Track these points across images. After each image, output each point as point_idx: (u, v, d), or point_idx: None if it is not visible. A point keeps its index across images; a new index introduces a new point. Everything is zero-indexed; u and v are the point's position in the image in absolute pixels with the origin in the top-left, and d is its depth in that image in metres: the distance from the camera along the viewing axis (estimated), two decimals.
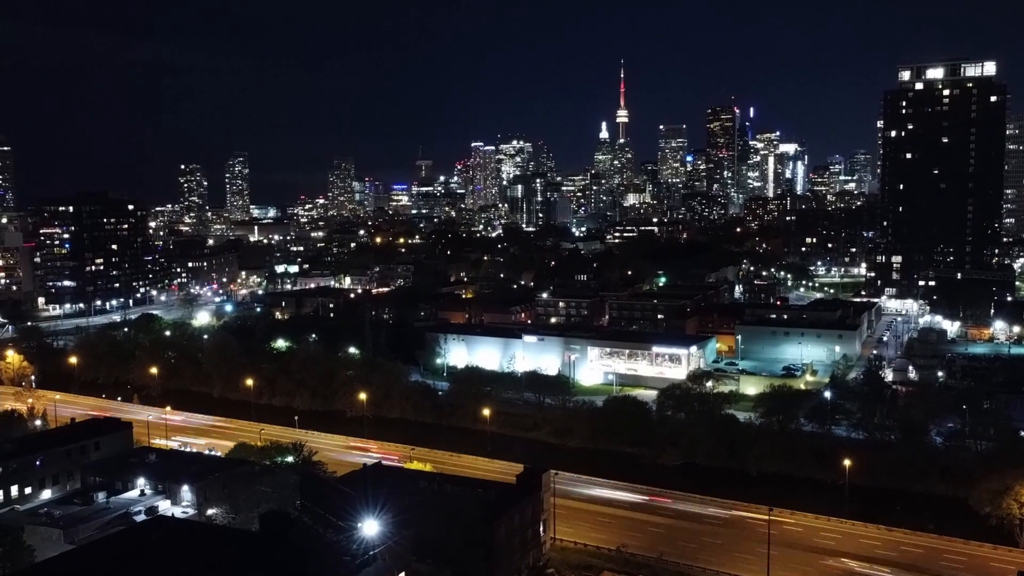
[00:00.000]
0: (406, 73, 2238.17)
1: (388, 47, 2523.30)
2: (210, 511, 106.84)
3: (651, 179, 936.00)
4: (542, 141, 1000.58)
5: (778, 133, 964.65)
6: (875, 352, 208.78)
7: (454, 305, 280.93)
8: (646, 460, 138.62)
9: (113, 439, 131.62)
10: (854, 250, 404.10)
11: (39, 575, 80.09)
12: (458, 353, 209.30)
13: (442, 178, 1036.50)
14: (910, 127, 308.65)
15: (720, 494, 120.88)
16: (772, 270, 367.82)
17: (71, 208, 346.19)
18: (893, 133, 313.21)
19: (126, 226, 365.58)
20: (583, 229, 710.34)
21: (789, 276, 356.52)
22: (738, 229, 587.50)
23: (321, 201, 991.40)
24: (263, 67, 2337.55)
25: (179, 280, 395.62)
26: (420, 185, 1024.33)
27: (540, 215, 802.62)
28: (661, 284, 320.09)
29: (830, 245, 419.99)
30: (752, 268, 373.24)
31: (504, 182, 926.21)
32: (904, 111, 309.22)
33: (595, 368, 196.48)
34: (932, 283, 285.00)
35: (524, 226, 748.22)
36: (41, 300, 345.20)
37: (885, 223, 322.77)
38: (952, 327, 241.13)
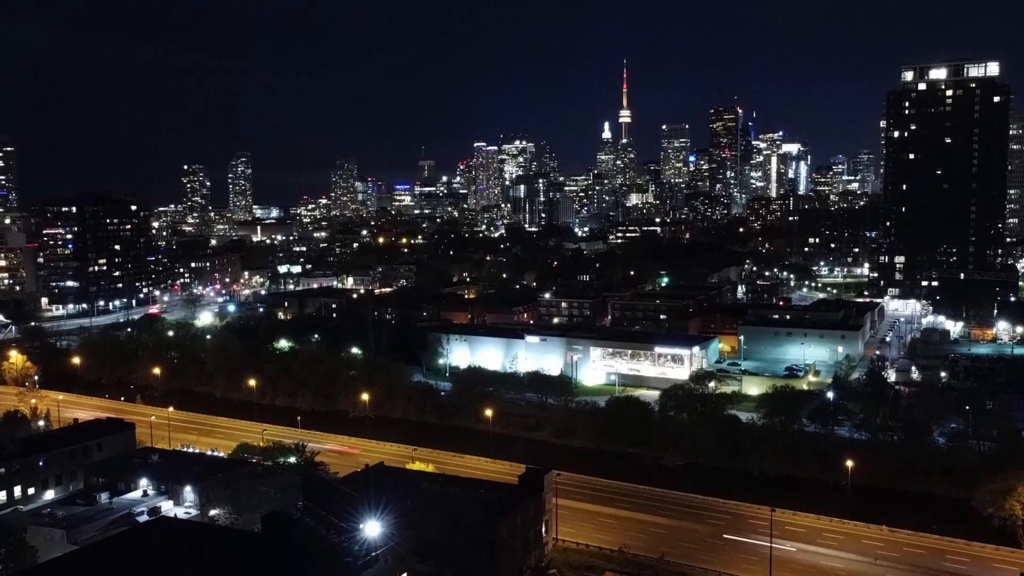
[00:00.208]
0: (409, 73, 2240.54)
1: (390, 47, 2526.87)
2: (212, 512, 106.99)
3: (654, 179, 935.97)
4: (545, 141, 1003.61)
5: (781, 133, 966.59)
6: (878, 352, 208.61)
7: (456, 305, 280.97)
8: (648, 461, 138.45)
9: (116, 440, 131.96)
10: (857, 250, 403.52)
11: (42, 575, 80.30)
12: (460, 353, 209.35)
13: (445, 178, 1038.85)
14: (913, 127, 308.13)
15: (722, 495, 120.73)
16: (775, 270, 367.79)
17: (74, 208, 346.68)
18: (896, 133, 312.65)
19: (129, 226, 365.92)
20: (586, 229, 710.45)
21: (792, 276, 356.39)
22: (741, 229, 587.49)
23: (324, 201, 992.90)
24: (265, 67, 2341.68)
25: (182, 280, 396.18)
26: (423, 185, 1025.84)
27: (543, 215, 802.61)
28: (664, 284, 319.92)
29: (833, 245, 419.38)
30: (755, 268, 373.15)
31: (507, 182, 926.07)
32: (907, 111, 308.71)
33: (597, 368, 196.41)
34: (935, 283, 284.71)
35: (527, 226, 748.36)
36: (44, 300, 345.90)
37: (888, 223, 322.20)
38: (955, 327, 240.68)
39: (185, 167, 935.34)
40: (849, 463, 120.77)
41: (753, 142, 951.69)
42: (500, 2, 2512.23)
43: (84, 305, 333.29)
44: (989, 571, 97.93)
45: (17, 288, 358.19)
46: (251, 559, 74.37)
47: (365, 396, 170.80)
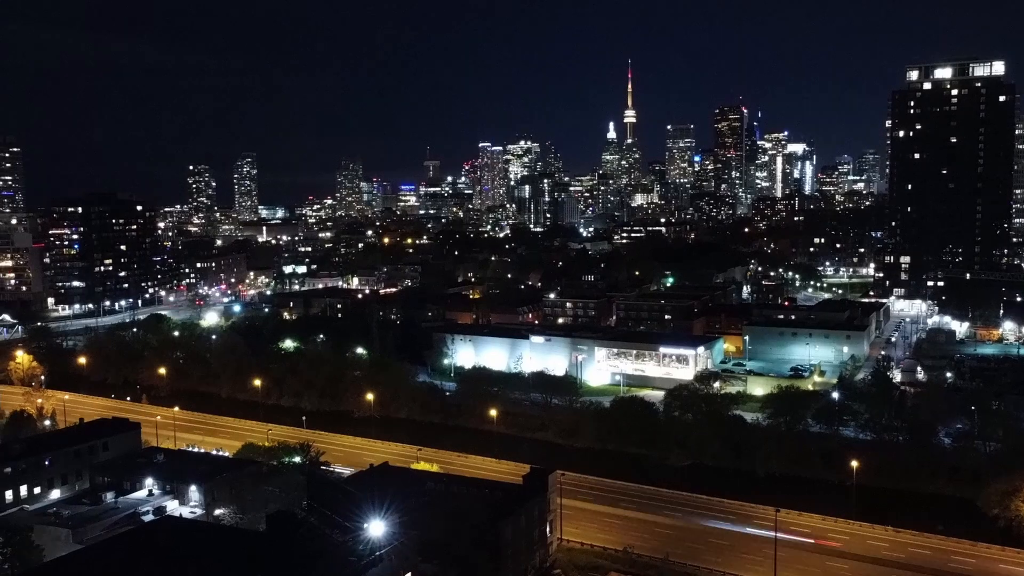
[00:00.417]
0: (414, 73, 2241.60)
1: (395, 47, 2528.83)
2: (218, 511, 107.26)
3: (659, 179, 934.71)
4: (550, 141, 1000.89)
5: (786, 133, 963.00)
6: (883, 353, 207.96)
7: (461, 305, 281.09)
8: (653, 461, 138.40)
9: (121, 439, 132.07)
10: (862, 250, 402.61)
11: (48, 574, 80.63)
12: (465, 353, 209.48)
13: (450, 178, 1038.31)
14: (918, 127, 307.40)
15: (727, 495, 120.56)
16: (780, 270, 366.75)
17: (80, 209, 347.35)
18: (901, 133, 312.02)
19: (135, 227, 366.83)
20: (591, 229, 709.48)
21: (797, 276, 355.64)
22: (746, 229, 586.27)
23: (329, 201, 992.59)
24: (270, 68, 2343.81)
25: (187, 280, 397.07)
26: (428, 185, 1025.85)
27: (548, 215, 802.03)
28: (669, 284, 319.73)
29: (838, 245, 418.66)
30: (760, 268, 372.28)
31: (512, 182, 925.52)
32: (912, 111, 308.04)
33: (602, 369, 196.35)
34: (941, 283, 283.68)
35: (531, 226, 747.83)
36: (50, 300, 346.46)
37: (893, 223, 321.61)
38: (961, 328, 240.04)
39: (191, 167, 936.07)
40: (854, 463, 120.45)
41: (758, 142, 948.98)
42: (506, 2, 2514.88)
43: (90, 305, 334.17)
44: (995, 572, 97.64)
45: (23, 288, 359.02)
46: (256, 558, 74.55)
47: (370, 396, 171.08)
